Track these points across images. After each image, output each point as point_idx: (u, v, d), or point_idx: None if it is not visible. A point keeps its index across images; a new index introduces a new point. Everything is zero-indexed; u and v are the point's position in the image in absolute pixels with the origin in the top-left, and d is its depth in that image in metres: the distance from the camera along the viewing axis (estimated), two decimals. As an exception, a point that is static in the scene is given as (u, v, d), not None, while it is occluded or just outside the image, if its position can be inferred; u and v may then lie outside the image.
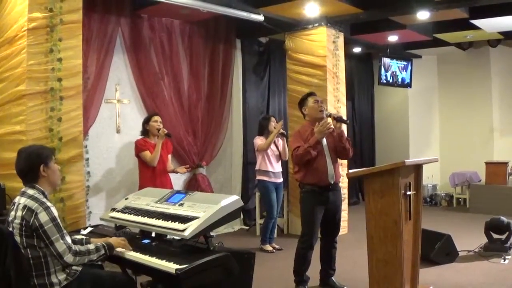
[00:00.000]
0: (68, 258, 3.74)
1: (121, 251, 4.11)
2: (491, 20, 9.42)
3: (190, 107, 9.29)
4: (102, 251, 3.96)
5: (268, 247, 8.28)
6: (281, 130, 8.24)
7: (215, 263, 3.77)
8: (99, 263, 4.20)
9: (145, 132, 7.32)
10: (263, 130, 8.33)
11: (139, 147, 7.19)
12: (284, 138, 8.38)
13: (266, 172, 8.21)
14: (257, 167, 8.33)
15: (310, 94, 6.29)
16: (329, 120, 5.88)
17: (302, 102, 6.25)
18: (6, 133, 5.85)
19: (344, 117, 9.37)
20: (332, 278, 6.24)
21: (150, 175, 7.16)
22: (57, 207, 3.92)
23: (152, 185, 6.73)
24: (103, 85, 7.96)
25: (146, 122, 7.37)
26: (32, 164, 3.91)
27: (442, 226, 8.24)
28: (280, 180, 8.40)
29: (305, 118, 6.26)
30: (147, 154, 7.13)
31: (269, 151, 8.20)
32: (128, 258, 4.06)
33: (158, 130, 7.17)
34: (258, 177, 8.32)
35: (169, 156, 7.57)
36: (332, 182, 6.02)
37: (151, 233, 4.62)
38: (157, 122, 7.26)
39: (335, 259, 6.26)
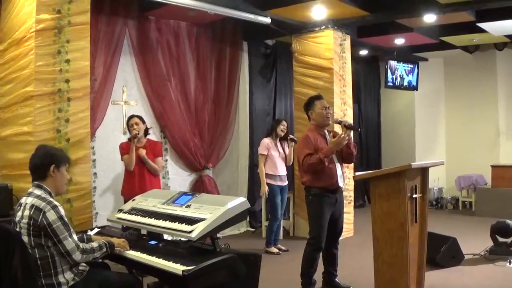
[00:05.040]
0: (77, 256, 3.80)
1: (120, 250, 4.17)
2: (497, 23, 9.42)
3: (196, 109, 9.31)
4: (104, 249, 4.04)
5: (273, 249, 8.29)
6: (291, 136, 8.30)
7: (221, 264, 3.78)
8: (100, 260, 4.24)
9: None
10: (271, 132, 8.41)
11: (120, 151, 7.01)
12: (293, 143, 8.32)
13: (272, 176, 8.25)
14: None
15: (318, 97, 6.23)
16: (343, 130, 5.84)
17: (308, 105, 6.19)
18: (13, 134, 5.89)
19: (351, 121, 9.40)
20: (336, 279, 6.24)
21: (128, 179, 6.98)
22: (64, 208, 3.95)
23: (130, 189, 6.68)
24: (110, 87, 7.99)
25: (127, 126, 7.11)
26: (45, 161, 3.96)
27: (448, 229, 8.22)
28: (285, 183, 8.43)
29: (310, 122, 6.21)
30: (125, 158, 6.91)
31: (275, 154, 8.25)
32: (135, 259, 4.08)
33: (137, 134, 6.83)
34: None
35: (159, 159, 7.15)
36: (342, 185, 6.04)
37: (158, 234, 4.64)
38: (132, 126, 6.89)
39: (337, 260, 6.26)
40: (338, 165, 6.01)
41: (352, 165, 9.15)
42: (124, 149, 6.95)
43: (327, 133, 6.14)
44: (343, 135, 5.73)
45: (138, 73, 8.50)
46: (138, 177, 6.87)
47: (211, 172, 9.68)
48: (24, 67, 5.75)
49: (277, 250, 8.28)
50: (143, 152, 6.86)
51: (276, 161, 8.24)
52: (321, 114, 6.05)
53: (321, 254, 6.13)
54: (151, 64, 8.56)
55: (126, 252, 4.17)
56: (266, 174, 8.24)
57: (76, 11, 5.89)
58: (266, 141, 8.33)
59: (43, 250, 3.74)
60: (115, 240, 4.21)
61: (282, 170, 8.34)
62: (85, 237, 4.37)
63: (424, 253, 5.43)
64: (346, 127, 5.86)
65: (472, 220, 10.95)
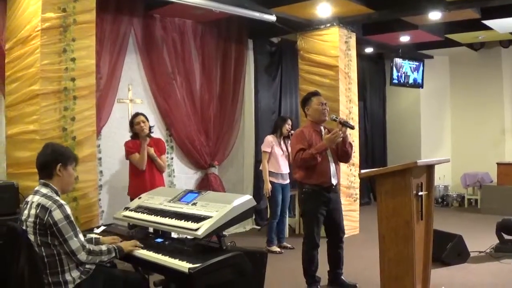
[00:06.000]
0: (82, 256, 3.78)
1: (133, 250, 4.15)
2: (503, 20, 9.40)
3: (202, 107, 9.31)
4: (113, 254, 4.02)
5: (275, 248, 8.18)
6: (293, 132, 8.26)
7: (228, 262, 3.78)
8: (108, 264, 4.24)
9: (135, 134, 6.94)
10: (276, 130, 8.37)
11: (128, 150, 6.91)
12: None
13: (274, 174, 8.20)
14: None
15: (315, 94, 6.22)
16: (338, 127, 5.82)
17: (305, 102, 6.18)
18: (19, 132, 5.90)
19: (356, 118, 9.40)
20: (342, 277, 6.22)
21: (137, 178, 6.91)
22: (70, 206, 3.96)
23: (141, 188, 6.38)
24: (116, 85, 8.00)
25: (131, 124, 7.01)
26: (52, 160, 3.96)
27: (453, 227, 8.22)
28: (287, 181, 8.36)
29: (307, 118, 6.21)
30: (135, 156, 6.84)
31: (278, 152, 8.21)
32: (141, 256, 4.08)
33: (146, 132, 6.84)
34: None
35: (164, 156, 7.15)
36: (335, 184, 6.02)
37: (164, 232, 4.64)
38: (139, 123, 6.82)
39: (343, 260, 6.22)
40: (332, 164, 5.99)
41: (357, 162, 9.16)
42: (132, 147, 6.89)
43: (323, 129, 6.12)
44: (337, 132, 5.72)
45: (144, 71, 8.51)
46: (149, 176, 6.86)
47: (216, 170, 9.69)
48: (29, 66, 5.76)
49: (279, 250, 8.18)
50: (151, 150, 6.86)
51: (279, 159, 8.20)
52: (318, 110, 6.03)
53: (325, 253, 6.15)
54: (156, 62, 8.57)
55: (132, 250, 4.17)
56: (268, 172, 8.20)
57: (81, 10, 5.91)
58: (270, 138, 8.29)
59: (49, 248, 3.74)
60: (123, 244, 4.17)
61: (285, 168, 8.28)
62: (93, 239, 4.35)
63: (429, 251, 5.42)
64: (342, 124, 5.82)
65: (478, 217, 10.94)
